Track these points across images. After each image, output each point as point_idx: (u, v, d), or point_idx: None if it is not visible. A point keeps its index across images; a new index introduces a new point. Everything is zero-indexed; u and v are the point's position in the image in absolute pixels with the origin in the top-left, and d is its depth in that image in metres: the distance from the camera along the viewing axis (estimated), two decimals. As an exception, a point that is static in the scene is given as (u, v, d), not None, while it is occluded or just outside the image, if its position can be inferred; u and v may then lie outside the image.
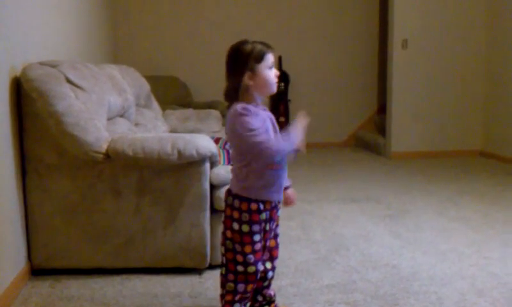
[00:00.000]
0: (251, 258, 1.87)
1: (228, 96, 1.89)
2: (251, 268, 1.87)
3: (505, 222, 3.42)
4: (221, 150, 3.23)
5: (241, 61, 1.85)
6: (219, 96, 6.50)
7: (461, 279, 2.51)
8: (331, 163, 5.73)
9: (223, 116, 5.15)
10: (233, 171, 1.91)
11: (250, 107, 1.82)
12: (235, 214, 1.85)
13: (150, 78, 4.60)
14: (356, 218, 3.55)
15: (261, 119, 1.83)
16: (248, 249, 1.86)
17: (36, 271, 2.57)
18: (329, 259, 2.77)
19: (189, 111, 4.79)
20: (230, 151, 1.82)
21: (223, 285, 1.95)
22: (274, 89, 1.93)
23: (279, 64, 6.56)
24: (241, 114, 1.80)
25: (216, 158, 2.56)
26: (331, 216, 3.59)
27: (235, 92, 1.86)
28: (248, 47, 1.86)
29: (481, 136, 6.06)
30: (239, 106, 1.82)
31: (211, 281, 2.47)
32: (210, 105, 5.66)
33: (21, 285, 2.42)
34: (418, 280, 2.50)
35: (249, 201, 1.85)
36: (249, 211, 1.85)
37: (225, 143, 3.62)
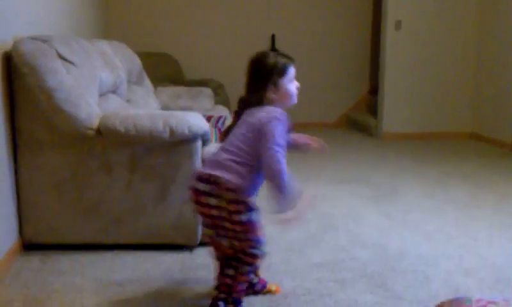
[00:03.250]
0: (264, 238, 1.92)
1: (247, 106, 1.93)
2: (265, 247, 1.94)
3: (493, 204, 3.46)
4: (212, 128, 3.24)
5: (264, 75, 1.90)
6: (211, 74, 6.48)
7: (448, 259, 2.55)
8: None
9: (216, 94, 5.14)
10: (231, 162, 1.86)
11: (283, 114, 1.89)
12: (242, 207, 1.86)
13: (142, 55, 4.56)
14: (346, 198, 3.57)
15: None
16: (260, 233, 1.90)
17: (27, 246, 2.58)
18: (319, 239, 2.80)
19: (181, 89, 4.77)
20: (240, 143, 1.87)
21: (227, 267, 1.93)
22: (295, 100, 1.98)
23: (272, 43, 6.53)
24: (278, 119, 1.84)
25: (207, 136, 2.56)
26: (321, 196, 3.61)
27: (257, 104, 1.91)
28: (271, 61, 1.91)
29: (472, 118, 6.09)
30: (277, 110, 1.88)
31: (202, 258, 2.49)
32: (202, 83, 5.64)
33: (12, 260, 2.43)
34: (405, 259, 2.53)
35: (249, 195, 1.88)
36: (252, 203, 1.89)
37: (217, 121, 3.62)
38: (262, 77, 1.91)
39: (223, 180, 1.83)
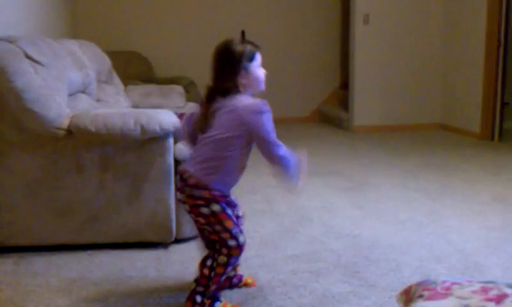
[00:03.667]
0: (236, 229, 1.92)
1: (219, 95, 1.92)
2: (242, 238, 1.94)
3: (463, 192, 3.54)
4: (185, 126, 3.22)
5: (235, 61, 1.92)
6: (182, 72, 6.45)
7: (419, 247, 2.60)
8: (295, 138, 5.79)
9: (187, 91, 5.13)
10: (201, 159, 1.89)
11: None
12: (200, 201, 1.88)
13: (111, 54, 4.53)
14: (320, 191, 3.61)
15: None
16: (228, 223, 1.91)
17: (0, 249, 2.54)
18: (293, 231, 2.83)
19: (152, 87, 4.75)
20: (218, 139, 1.88)
21: (207, 258, 1.96)
22: (263, 87, 2.00)
23: (242, 39, 6.52)
24: (266, 111, 1.87)
25: (179, 133, 2.56)
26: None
27: (228, 91, 1.91)
28: (240, 47, 1.94)
29: (441, 110, 6.21)
30: (257, 100, 1.89)
31: (177, 255, 2.49)
32: (172, 81, 5.62)
33: (-16, 264, 2.40)
34: (378, 248, 2.58)
35: (211, 189, 1.88)
36: (213, 196, 1.89)
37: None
38: (232, 63, 1.92)
39: (187, 175, 1.89)
